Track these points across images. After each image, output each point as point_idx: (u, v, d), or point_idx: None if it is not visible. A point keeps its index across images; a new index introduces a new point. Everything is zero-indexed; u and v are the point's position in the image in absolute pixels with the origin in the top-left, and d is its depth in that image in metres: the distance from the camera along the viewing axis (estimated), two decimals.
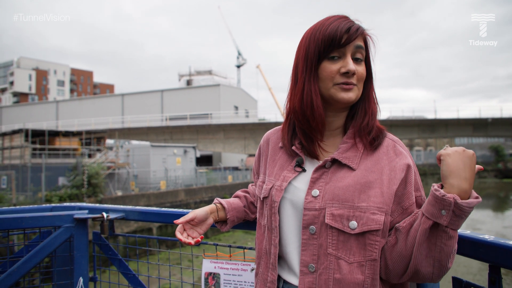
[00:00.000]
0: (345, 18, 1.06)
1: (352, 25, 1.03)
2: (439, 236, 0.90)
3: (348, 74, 1.02)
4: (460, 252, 1.08)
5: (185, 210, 1.74)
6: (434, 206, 0.89)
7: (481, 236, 1.04)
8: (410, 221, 0.97)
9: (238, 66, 69.94)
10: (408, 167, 1.03)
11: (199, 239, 1.18)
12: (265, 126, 34.35)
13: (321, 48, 1.03)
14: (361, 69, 1.06)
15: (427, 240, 0.91)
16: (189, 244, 1.14)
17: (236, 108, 47.92)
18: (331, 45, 1.02)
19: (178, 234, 1.16)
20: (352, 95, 1.04)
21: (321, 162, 1.08)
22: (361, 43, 1.05)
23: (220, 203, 1.31)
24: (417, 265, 0.93)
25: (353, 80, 1.04)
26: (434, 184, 0.91)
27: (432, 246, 0.91)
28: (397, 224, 1.00)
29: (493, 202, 30.43)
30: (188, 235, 1.19)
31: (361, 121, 1.08)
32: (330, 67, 1.04)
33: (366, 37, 1.08)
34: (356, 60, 1.05)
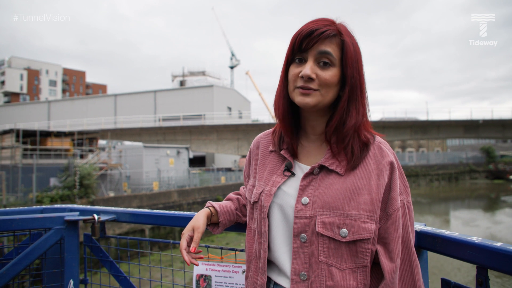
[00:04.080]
0: (319, 21, 1.04)
1: (318, 28, 1.01)
2: None
3: (303, 78, 1.03)
4: (448, 253, 1.10)
5: (177, 212, 1.74)
6: None
7: (469, 238, 1.05)
8: None
9: (232, 67, 69.84)
10: (392, 166, 1.03)
11: (202, 256, 1.20)
12: (258, 127, 34.33)
13: (288, 52, 1.08)
14: (325, 74, 1.02)
15: None
16: (195, 264, 1.14)
17: (230, 109, 47.84)
18: (293, 49, 1.05)
19: (185, 255, 1.13)
20: (309, 100, 1.03)
21: (309, 168, 1.08)
22: (328, 48, 1.02)
23: (213, 207, 1.31)
24: None
25: (313, 85, 1.03)
26: None
27: None
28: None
29: (485, 203, 30.71)
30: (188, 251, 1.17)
31: (333, 128, 1.06)
32: (293, 70, 1.06)
33: (343, 40, 1.04)
34: (325, 65, 1.03)
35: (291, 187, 1.09)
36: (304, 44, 1.02)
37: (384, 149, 1.07)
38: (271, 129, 1.25)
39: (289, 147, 1.13)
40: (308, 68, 1.02)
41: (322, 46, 1.02)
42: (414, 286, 1.01)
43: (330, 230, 0.99)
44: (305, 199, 1.03)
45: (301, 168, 1.11)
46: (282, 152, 1.14)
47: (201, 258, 1.19)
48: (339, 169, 1.04)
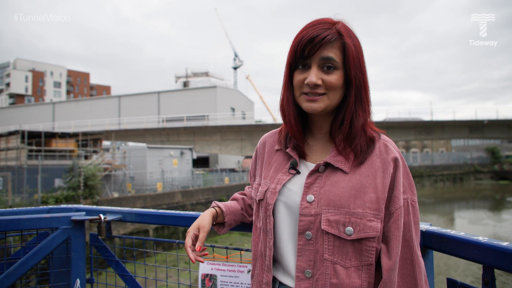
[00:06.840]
0: (319, 25, 1.04)
1: (318, 34, 1.01)
2: None
3: (309, 85, 1.04)
4: (454, 253, 1.09)
5: (182, 212, 1.75)
6: None
7: (475, 238, 1.05)
8: None
9: (235, 68, 69.96)
10: (396, 163, 1.03)
11: (206, 253, 1.20)
12: (261, 128, 34.33)
13: (290, 59, 1.07)
14: (331, 78, 1.03)
15: None
16: (201, 261, 1.14)
17: (233, 109, 47.87)
18: (295, 56, 1.05)
19: (190, 253, 1.13)
20: (317, 106, 1.05)
21: (314, 165, 1.08)
22: (330, 54, 1.02)
23: (219, 207, 1.31)
24: None
25: (320, 90, 1.04)
26: None
27: None
28: None
29: (490, 204, 30.54)
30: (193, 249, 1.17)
31: (339, 128, 1.08)
32: (298, 77, 1.07)
33: (344, 43, 1.04)
34: (328, 69, 1.03)
35: (296, 184, 1.09)
36: (306, 51, 1.03)
37: (389, 146, 1.07)
38: (278, 129, 1.26)
39: (295, 146, 1.14)
40: (313, 76, 1.03)
41: (325, 52, 1.02)
42: (415, 285, 1.00)
43: (335, 228, 0.99)
44: (310, 197, 1.04)
45: (307, 166, 1.12)
46: (288, 150, 1.15)
47: (206, 254, 1.19)
48: (345, 167, 1.04)
